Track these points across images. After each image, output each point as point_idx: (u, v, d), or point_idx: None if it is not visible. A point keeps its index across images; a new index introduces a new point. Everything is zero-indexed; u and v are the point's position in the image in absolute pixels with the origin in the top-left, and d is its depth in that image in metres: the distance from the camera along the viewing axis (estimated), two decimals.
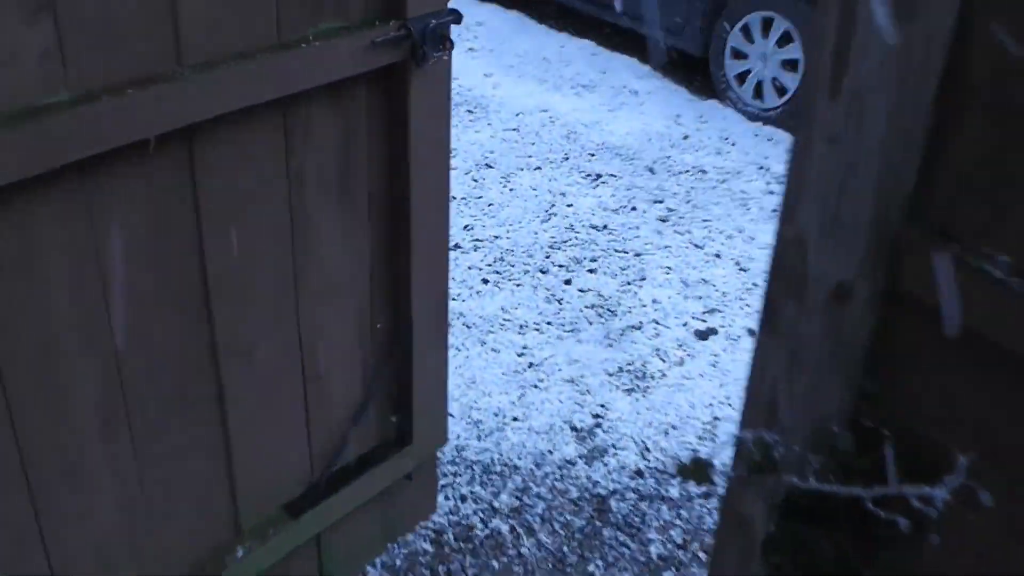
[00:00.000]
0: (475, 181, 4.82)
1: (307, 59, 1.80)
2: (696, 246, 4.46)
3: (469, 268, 4.06)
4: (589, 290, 4.02)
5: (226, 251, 1.83)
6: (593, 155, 5.31)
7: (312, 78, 1.83)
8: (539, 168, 5.07)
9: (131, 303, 1.72)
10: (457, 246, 4.21)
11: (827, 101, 1.37)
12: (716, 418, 3.39)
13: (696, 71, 6.41)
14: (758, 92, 5.92)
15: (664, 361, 3.64)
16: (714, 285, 4.16)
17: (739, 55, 5.96)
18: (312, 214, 1.97)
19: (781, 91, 5.80)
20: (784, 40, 5.69)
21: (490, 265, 4.11)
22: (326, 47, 1.83)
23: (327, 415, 2.21)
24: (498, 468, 3.10)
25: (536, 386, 3.44)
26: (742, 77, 5.99)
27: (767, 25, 5.76)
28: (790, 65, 5.71)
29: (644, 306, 3.95)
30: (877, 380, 1.51)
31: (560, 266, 4.16)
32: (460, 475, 3.05)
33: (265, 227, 1.89)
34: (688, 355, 3.69)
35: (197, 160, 1.73)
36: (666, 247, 4.41)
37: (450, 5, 2.07)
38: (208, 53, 1.67)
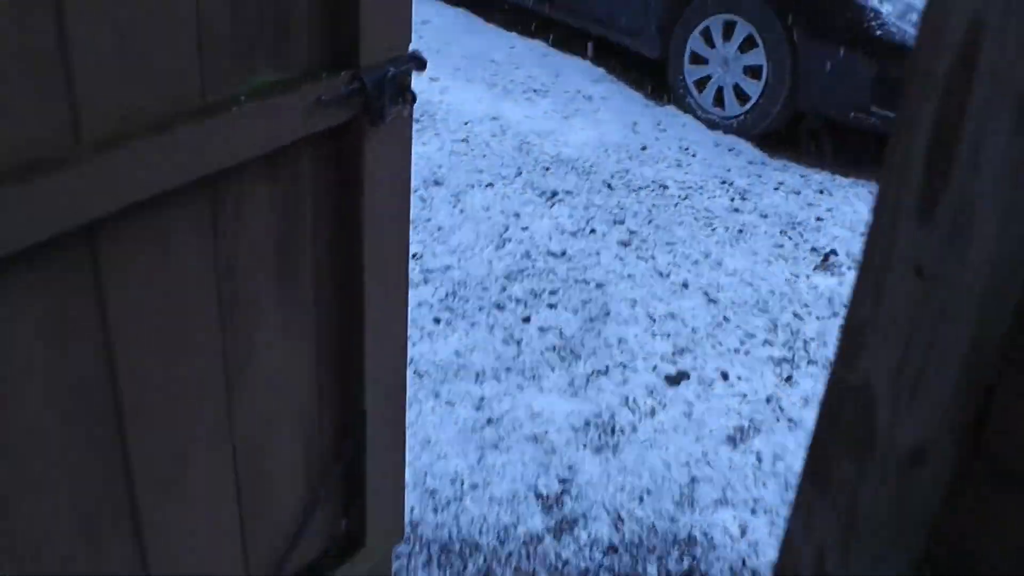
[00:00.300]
0: (423, 201, 4.48)
1: (238, 127, 1.46)
2: (661, 274, 4.16)
3: (419, 305, 3.72)
4: (550, 329, 3.70)
5: (142, 364, 1.49)
6: (548, 169, 4.99)
7: (244, 150, 1.49)
8: (491, 185, 4.74)
9: (23, 434, 1.37)
10: None
11: (915, 223, 1.05)
12: (694, 479, 3.09)
13: (652, 75, 6.11)
14: (719, 99, 5.64)
15: (634, 412, 3.34)
16: (682, 320, 3.87)
17: (699, 60, 5.67)
18: (247, 306, 1.63)
19: (743, 98, 5.52)
20: (747, 45, 5.41)
21: (442, 300, 3.78)
22: (261, 109, 1.49)
23: (266, 531, 1.87)
24: (457, 547, 2.77)
25: (496, 446, 3.12)
26: (702, 83, 5.71)
27: (729, 29, 5.47)
28: (752, 71, 5.44)
29: (609, 346, 3.64)
30: (945, 548, 1.23)
31: (518, 300, 3.84)
32: (415, 556, 2.72)
33: (190, 329, 1.55)
34: (659, 404, 3.39)
35: (102, 261, 1.38)
36: (629, 276, 4.11)
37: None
38: (112, 128, 1.32)
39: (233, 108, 1.45)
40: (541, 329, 3.68)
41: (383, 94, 1.64)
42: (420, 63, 1.71)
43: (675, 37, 5.78)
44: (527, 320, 3.72)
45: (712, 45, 5.63)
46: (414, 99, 1.72)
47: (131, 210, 1.36)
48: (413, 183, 4.51)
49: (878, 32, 5.05)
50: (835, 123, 5.51)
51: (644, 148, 5.36)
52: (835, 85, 5.22)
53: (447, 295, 3.80)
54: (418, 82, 5.04)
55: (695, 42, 5.70)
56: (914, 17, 5.04)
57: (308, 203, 1.66)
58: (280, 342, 1.72)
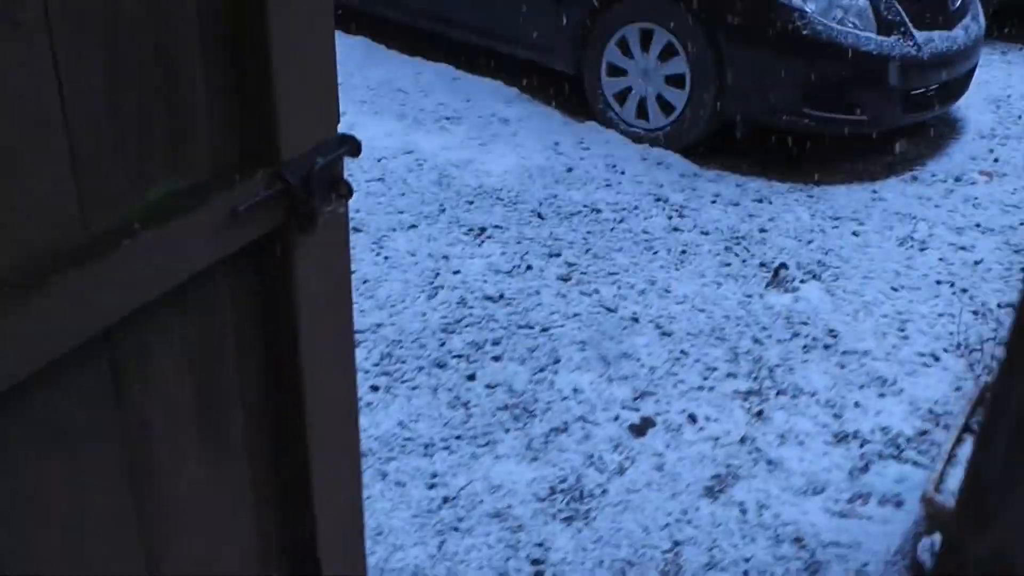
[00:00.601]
0: None
1: (134, 263, 1.15)
2: (608, 309, 3.90)
3: None
4: (498, 385, 3.41)
5: (30, 562, 1.17)
6: (472, 203, 4.70)
7: (144, 291, 1.18)
8: (414, 226, 4.44)
9: None
10: None
11: None
12: (676, 543, 2.83)
13: (570, 90, 5.85)
14: (642, 111, 5.40)
15: (601, 472, 3.06)
16: (638, 359, 3.60)
17: (617, 72, 5.42)
18: (167, 476, 1.32)
19: (667, 109, 5.29)
20: (667, 54, 5.18)
21: (377, 365, 3.47)
22: (161, 237, 1.18)
23: None
24: None
25: (457, 528, 2.82)
26: (622, 96, 5.46)
27: (646, 38, 5.23)
28: (675, 80, 5.20)
29: (565, 399, 3.36)
30: None
31: (459, 356, 3.54)
32: None
33: (93, 512, 1.23)
34: (627, 459, 3.12)
35: None
36: (575, 315, 3.83)
37: None
38: None
39: (125, 241, 1.14)
40: (488, 387, 3.39)
41: (312, 192, 1.35)
42: (354, 146, 1.42)
43: (590, 50, 5.53)
44: (472, 378, 3.43)
45: (630, 56, 5.39)
46: (350, 192, 1.42)
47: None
48: None
49: (804, 31, 4.85)
50: (767, 127, 5.30)
51: (570, 170, 5.10)
52: (763, 89, 5.01)
53: (382, 357, 3.50)
54: None
55: (612, 54, 5.45)
56: (839, 14, 4.85)
57: (230, 339, 1.35)
58: (211, 505, 1.41)
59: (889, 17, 5.05)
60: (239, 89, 1.28)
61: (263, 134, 1.31)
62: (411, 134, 5.42)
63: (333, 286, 1.46)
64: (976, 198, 5.22)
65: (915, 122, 5.53)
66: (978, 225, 4.92)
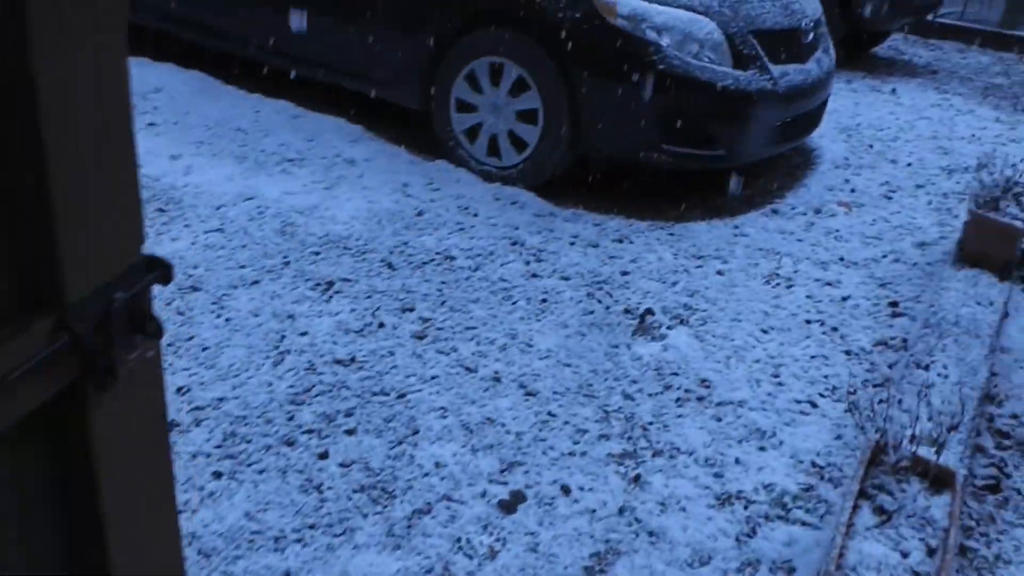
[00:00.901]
0: (181, 315, 3.81)
1: None
2: (468, 369, 3.63)
3: (194, 457, 3.06)
4: (353, 463, 3.10)
5: None
6: (318, 254, 4.38)
7: None
8: (257, 282, 4.11)
9: None
10: (172, 424, 3.19)
11: None
12: None
13: (418, 127, 5.59)
14: (493, 148, 5.17)
15: (471, 558, 2.78)
16: (503, 425, 3.34)
17: (467, 107, 5.17)
18: None
19: (520, 145, 5.06)
20: (518, 88, 4.95)
21: (220, 447, 3.12)
22: None
23: None
24: None
25: None
26: (473, 132, 5.22)
27: (496, 72, 4.99)
28: (528, 116, 4.98)
29: (427, 474, 3.07)
30: None
31: (310, 431, 3.22)
32: None
33: None
34: (498, 541, 2.84)
35: None
36: (433, 378, 3.55)
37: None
38: None
39: None
40: (343, 465, 3.08)
41: (111, 338, 1.03)
42: (164, 271, 1.11)
43: (437, 85, 5.28)
44: (324, 456, 3.11)
45: (480, 91, 5.15)
46: (160, 331, 1.11)
47: None
48: (166, 292, 3.83)
49: (660, 66, 4.68)
50: (624, 164, 5.12)
51: (420, 213, 4.83)
52: (620, 124, 4.82)
53: (225, 438, 3.15)
54: (158, 162, 4.30)
55: (460, 89, 5.21)
56: (694, 48, 4.70)
57: (13, 525, 1.03)
58: None
59: (745, 52, 4.92)
60: (7, 215, 0.96)
61: (42, 271, 0.99)
62: (252, 178, 5.07)
63: (145, 446, 1.15)
64: (837, 230, 5.13)
65: (772, 155, 5.42)
66: (842, 259, 4.81)
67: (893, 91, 8.23)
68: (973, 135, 7.14)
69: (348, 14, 5.46)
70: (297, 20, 5.71)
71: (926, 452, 2.72)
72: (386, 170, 5.26)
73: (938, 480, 2.69)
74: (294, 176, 5.14)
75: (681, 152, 4.88)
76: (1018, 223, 4.42)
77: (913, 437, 2.66)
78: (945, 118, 7.55)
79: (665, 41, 4.73)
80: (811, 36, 5.50)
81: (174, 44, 6.71)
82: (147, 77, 6.31)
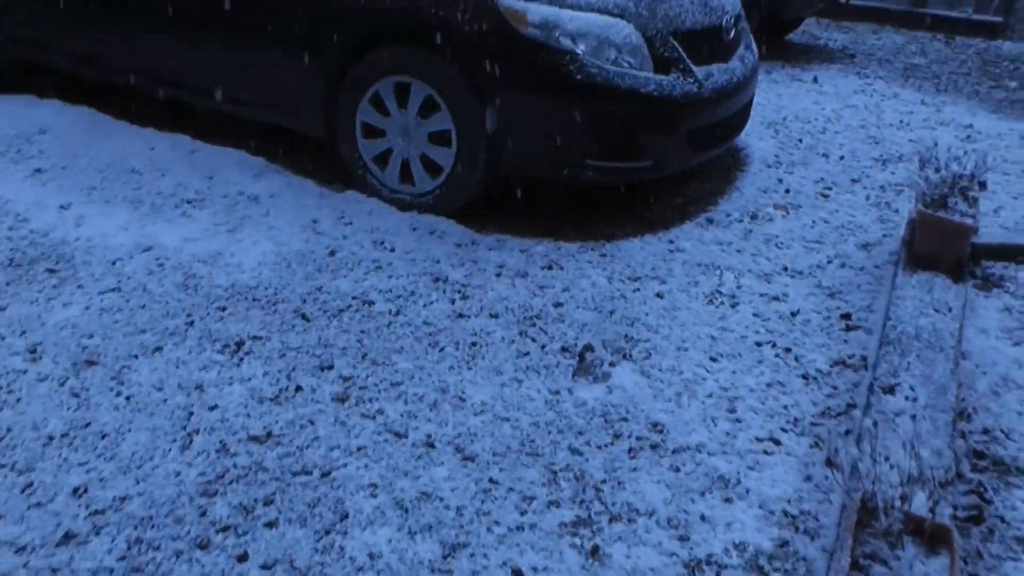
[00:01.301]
0: (76, 396, 3.41)
1: None
2: (397, 434, 3.28)
3: (94, 575, 2.67)
4: (276, 563, 2.73)
5: None
6: (224, 308, 4.01)
7: None
8: (159, 349, 3.72)
9: None
10: (68, 536, 2.79)
11: None
12: None
13: (324, 155, 5.23)
14: (406, 174, 4.83)
15: None
16: (441, 499, 3.00)
17: (374, 132, 4.82)
18: None
19: (434, 170, 4.72)
20: (428, 109, 4.60)
21: (123, 559, 2.73)
22: None
23: None
24: None
25: None
26: (383, 158, 4.87)
27: (403, 93, 4.64)
28: (440, 138, 4.63)
29: (360, 569, 2.72)
30: None
31: (226, 528, 2.85)
32: None
33: None
34: None
35: None
36: (359, 449, 3.20)
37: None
38: None
39: None
40: (265, 567, 2.72)
41: None
42: None
43: (340, 110, 4.91)
44: (244, 558, 2.74)
45: (387, 113, 4.80)
46: None
47: None
48: (58, 370, 3.40)
49: (577, 76, 4.37)
50: (547, 182, 4.79)
51: (332, 253, 4.46)
52: (539, 141, 4.50)
53: (130, 546, 2.77)
54: (46, 214, 3.83)
55: (365, 112, 4.85)
56: (612, 54, 4.39)
57: None
58: None
59: (666, 54, 4.62)
60: None
61: None
62: (149, 225, 4.67)
63: None
64: (776, 236, 4.86)
65: (703, 161, 5.13)
66: (785, 268, 4.54)
67: (815, 79, 8.03)
68: (901, 121, 6.95)
69: (236, 34, 5.07)
70: (181, 43, 5.31)
71: (918, 506, 2.43)
72: (293, 206, 4.89)
73: (934, 539, 2.40)
74: (194, 219, 4.74)
75: (607, 166, 4.57)
76: (968, 220, 4.17)
77: (904, 497, 2.37)
78: (871, 104, 7.35)
79: (581, 48, 4.42)
80: (732, 33, 5.22)
81: (62, 79, 6.27)
82: (32, 117, 5.88)
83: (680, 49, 4.69)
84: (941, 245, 4.16)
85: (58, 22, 5.83)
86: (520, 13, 4.39)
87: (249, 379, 3.53)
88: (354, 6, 4.63)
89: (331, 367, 3.62)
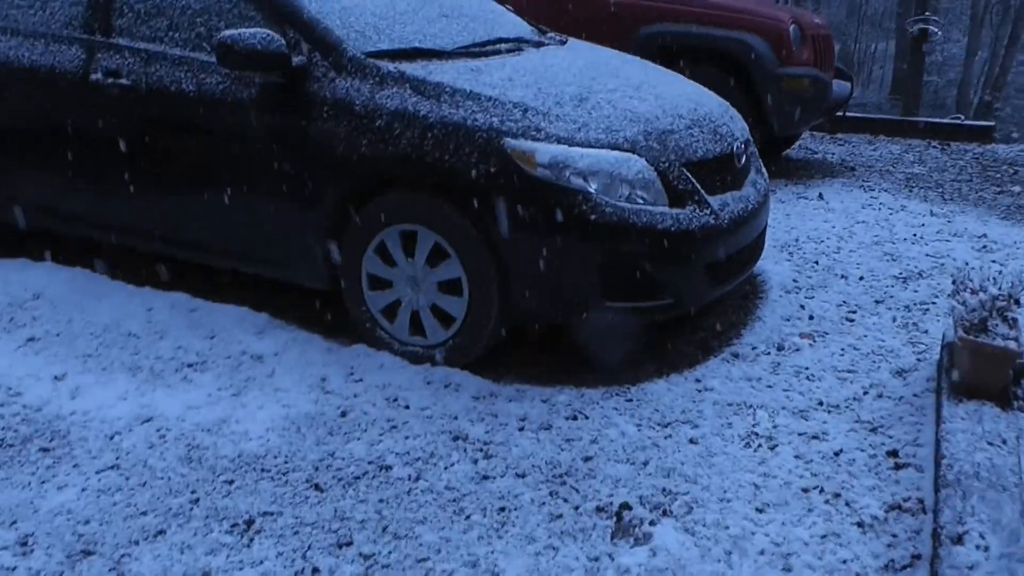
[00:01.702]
0: None
1: None
2: None
3: None
4: None
5: None
6: (231, 482, 3.75)
7: None
8: (162, 532, 3.46)
9: None
10: None
11: None
12: None
13: (329, 305, 5.02)
14: (416, 326, 4.60)
15: None
16: None
17: (381, 283, 4.62)
18: None
19: (446, 320, 4.51)
20: (437, 257, 4.40)
21: None
22: None
23: None
24: None
25: None
26: (392, 310, 4.66)
27: (409, 241, 4.45)
28: (451, 287, 4.43)
29: None
30: None
31: None
32: None
33: None
34: None
35: None
36: None
37: None
38: None
39: None
40: None
41: None
42: None
43: (344, 261, 4.71)
44: None
45: (393, 263, 4.60)
46: None
47: None
48: (50, 564, 3.12)
49: (592, 215, 4.19)
50: (565, 327, 4.58)
51: (344, 413, 4.23)
52: (555, 285, 4.30)
53: None
54: (40, 386, 3.55)
55: (371, 263, 4.66)
56: (625, 190, 4.22)
57: None
58: None
59: (680, 186, 4.45)
60: None
61: None
62: (148, 393, 4.44)
63: None
64: (807, 368, 4.63)
65: (724, 294, 4.93)
66: (821, 403, 4.31)
67: (820, 196, 7.89)
68: (914, 234, 6.79)
69: (230, 186, 4.89)
70: (172, 198, 5.15)
71: None
72: (300, 364, 4.66)
73: None
74: (196, 384, 4.51)
75: (627, 306, 4.36)
76: (1011, 343, 3.95)
77: None
78: (880, 219, 7.20)
79: (593, 187, 4.24)
80: (744, 159, 5.07)
81: (55, 239, 6.10)
82: (26, 281, 5.67)
83: (694, 180, 4.52)
84: (985, 372, 3.93)
85: (37, 180, 5.67)
86: (529, 153, 4.23)
87: (261, 562, 3.27)
88: (354, 153, 4.47)
89: (350, 543, 3.36)
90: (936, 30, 14.84)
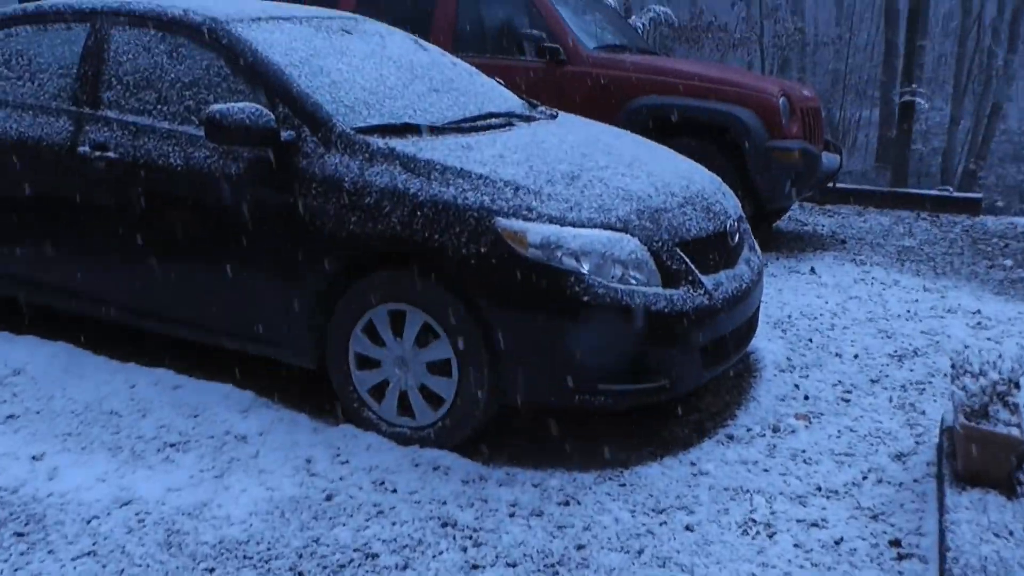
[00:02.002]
0: None
1: None
2: None
3: None
4: None
5: None
6: (212, 570, 3.64)
7: None
8: None
9: None
10: None
11: None
12: None
13: (316, 383, 4.92)
14: (405, 406, 4.51)
15: None
16: None
17: (369, 363, 4.52)
18: None
19: (435, 401, 4.41)
20: (426, 337, 4.32)
21: None
22: None
23: None
24: None
25: None
26: (379, 390, 4.57)
27: (398, 321, 4.36)
28: (440, 368, 4.34)
29: None
30: None
31: None
32: None
33: None
34: None
35: None
36: None
37: None
38: None
39: None
40: None
41: None
42: None
43: (332, 340, 4.62)
44: None
45: (381, 343, 4.51)
46: None
47: None
48: None
49: (584, 297, 4.12)
50: (558, 410, 4.49)
51: (329, 497, 4.11)
52: (547, 368, 4.22)
53: None
54: (16, 466, 3.34)
55: (359, 343, 4.57)
56: (618, 271, 4.15)
57: None
58: None
59: (673, 266, 4.39)
60: None
61: None
62: (128, 475, 4.32)
63: None
64: (803, 451, 4.54)
65: (719, 375, 4.85)
66: (819, 488, 4.21)
67: (812, 270, 7.85)
68: (908, 311, 6.73)
69: (214, 262, 4.81)
70: (157, 273, 5.06)
71: None
72: (285, 444, 4.55)
73: None
74: (178, 465, 4.40)
75: (620, 390, 4.28)
76: (1014, 430, 3.87)
77: None
78: (873, 294, 7.15)
79: (585, 267, 4.17)
80: (737, 236, 5.01)
81: (38, 311, 6.00)
82: (7, 357, 5.56)
83: (687, 259, 4.46)
84: (989, 460, 3.85)
85: (24, 252, 5.58)
86: (520, 234, 4.16)
87: None
88: (342, 231, 4.40)
89: None
90: (922, 101, 14.98)
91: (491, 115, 5.41)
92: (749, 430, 4.75)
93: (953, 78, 24.95)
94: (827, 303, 6.90)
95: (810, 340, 6.05)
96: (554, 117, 5.85)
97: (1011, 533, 3.56)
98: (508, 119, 5.42)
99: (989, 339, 6.22)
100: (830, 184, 9.55)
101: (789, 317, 6.49)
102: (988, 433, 3.86)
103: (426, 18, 9.04)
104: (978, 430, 3.87)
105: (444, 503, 4.05)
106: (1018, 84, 20.43)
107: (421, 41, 6.23)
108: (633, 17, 16.68)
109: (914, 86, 13.87)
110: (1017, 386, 4.15)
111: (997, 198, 18.55)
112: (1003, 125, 24.40)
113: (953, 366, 4.23)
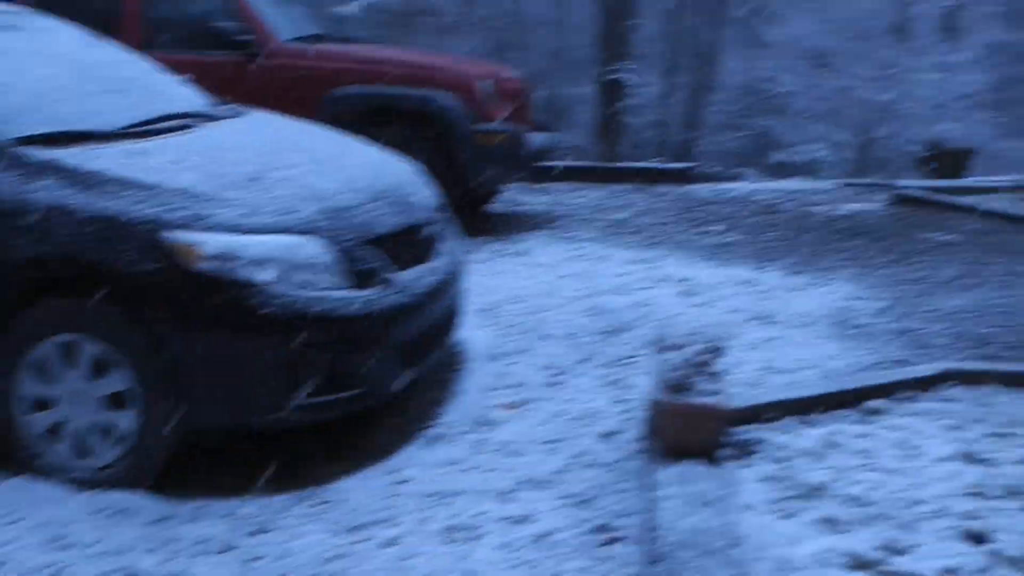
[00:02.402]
0: None
1: None
2: None
3: None
4: None
5: None
6: None
7: None
8: None
9: None
10: None
11: None
12: None
13: None
14: (84, 447, 4.11)
15: None
16: None
17: (41, 404, 4.10)
18: None
19: (116, 438, 4.03)
20: (102, 367, 3.96)
21: None
22: None
23: None
24: None
25: None
26: (55, 431, 4.14)
27: (71, 353, 3.97)
28: (119, 400, 3.98)
29: None
30: None
31: None
32: None
33: None
34: None
35: None
36: None
37: None
38: None
39: None
40: None
41: None
42: None
43: None
44: None
45: (53, 380, 4.11)
46: None
47: None
48: None
49: (266, 309, 3.87)
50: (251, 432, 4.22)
51: None
52: (235, 389, 3.96)
53: None
54: None
55: (27, 383, 4.14)
56: (301, 276, 3.92)
57: None
58: None
59: (363, 266, 4.21)
60: None
61: None
62: None
63: None
64: (510, 442, 4.44)
65: (423, 373, 4.68)
66: (526, 481, 4.09)
67: (524, 251, 7.79)
68: (619, 284, 6.75)
69: None
70: None
71: None
72: None
73: None
74: None
75: (314, 404, 4.06)
76: (714, 399, 3.87)
77: None
78: (585, 271, 7.14)
79: (266, 277, 3.93)
80: (433, 228, 4.85)
81: None
82: None
83: (378, 257, 4.26)
84: (691, 432, 3.84)
85: None
86: (192, 246, 3.89)
87: None
88: (6, 256, 3.99)
89: None
90: (632, 76, 15.30)
91: (171, 116, 5.04)
92: (453, 428, 4.60)
93: (667, 53, 25.66)
94: (538, 284, 6.84)
95: (520, 324, 5.97)
96: (242, 115, 5.52)
97: (716, 500, 3.54)
98: (190, 119, 5.07)
99: (697, 305, 6.30)
100: (546, 164, 9.51)
101: (499, 302, 6.39)
102: (687, 407, 3.84)
103: (113, 12, 8.46)
104: (679, 404, 3.85)
105: (130, 550, 3.70)
106: (724, 60, 21.30)
107: (96, 37, 5.75)
108: (352, 3, 16.31)
109: (621, 64, 14.11)
110: (720, 352, 4.17)
111: (716, 165, 19.16)
112: (715, 96, 25.28)
113: (656, 341, 4.21)
